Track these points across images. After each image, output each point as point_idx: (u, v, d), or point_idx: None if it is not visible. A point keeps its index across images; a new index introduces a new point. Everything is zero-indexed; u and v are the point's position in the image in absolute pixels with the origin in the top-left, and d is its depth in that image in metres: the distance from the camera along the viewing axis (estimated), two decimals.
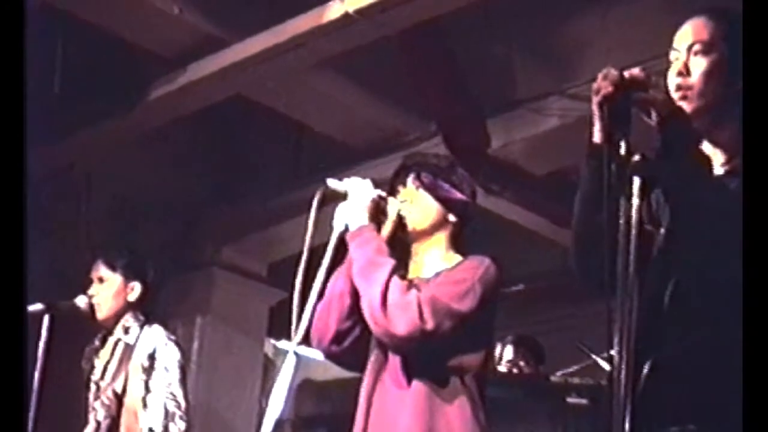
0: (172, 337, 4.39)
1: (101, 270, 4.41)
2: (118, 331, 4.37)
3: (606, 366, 4.77)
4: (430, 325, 2.77)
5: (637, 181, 2.33)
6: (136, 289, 4.42)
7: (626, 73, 2.44)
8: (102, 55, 6.31)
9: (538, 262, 8.18)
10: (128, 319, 4.39)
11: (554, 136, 6.39)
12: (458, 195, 3.11)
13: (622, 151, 2.38)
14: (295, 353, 2.78)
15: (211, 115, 6.95)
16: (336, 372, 3.51)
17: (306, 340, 2.86)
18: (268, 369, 8.50)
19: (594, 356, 4.99)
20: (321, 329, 3.02)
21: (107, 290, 4.38)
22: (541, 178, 6.86)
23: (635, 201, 2.31)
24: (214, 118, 7.26)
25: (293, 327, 2.82)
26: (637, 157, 2.36)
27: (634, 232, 2.27)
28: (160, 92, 6.33)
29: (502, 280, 2.99)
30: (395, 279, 2.85)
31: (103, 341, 4.41)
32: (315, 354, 3.12)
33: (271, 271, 7.99)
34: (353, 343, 3.03)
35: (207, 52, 6.06)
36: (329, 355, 3.09)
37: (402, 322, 2.77)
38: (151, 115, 6.52)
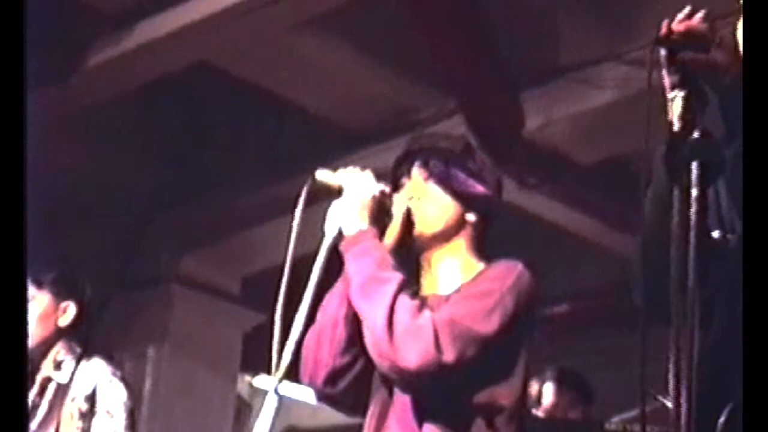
0: (118, 373, 4.38)
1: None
2: (47, 367, 4.36)
3: None
4: (449, 355, 2.77)
5: (695, 168, 2.29)
6: (69, 311, 4.40)
7: (677, 24, 2.42)
8: (27, 10, 6.33)
9: (588, 275, 8.19)
10: (60, 352, 4.37)
11: (608, 114, 6.40)
12: (478, 187, 3.10)
13: (675, 127, 2.35)
14: (277, 393, 2.79)
15: (167, 87, 6.95)
16: (328, 416, 3.52)
17: (290, 376, 2.87)
18: (242, 413, 8.52)
19: (660, 398, 4.99)
20: (312, 366, 3.02)
21: (32, 313, 4.38)
22: (590, 167, 6.87)
23: (694, 193, 2.27)
24: (171, 92, 7.26)
25: (274, 359, 2.82)
26: (696, 135, 2.34)
27: (693, 235, 2.23)
28: (101, 58, 6.34)
29: (540, 292, 2.99)
30: (403, 297, 2.85)
31: (41, 387, 4.42)
32: (303, 394, 3.13)
33: (245, 287, 8.00)
34: (353, 382, 3.03)
35: (161, 8, 6.07)
36: (323, 397, 3.09)
37: (413, 353, 2.77)
38: (90, 87, 6.54)
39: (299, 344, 2.89)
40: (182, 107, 7.64)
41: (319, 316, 2.99)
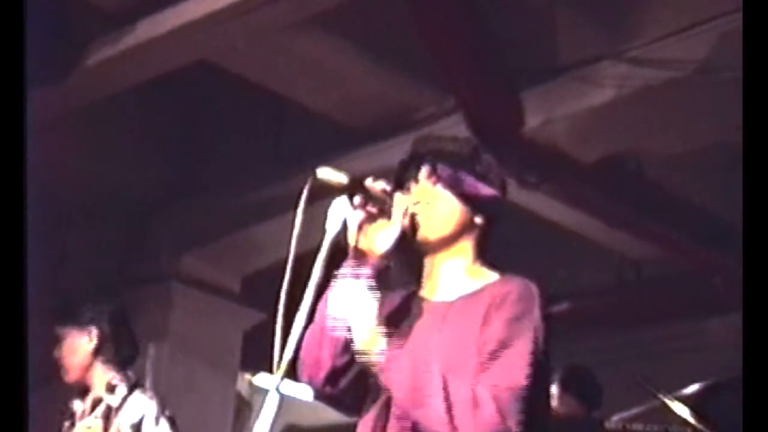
0: (167, 413, 4.61)
1: (56, 330, 4.77)
2: (99, 389, 4.69)
3: (677, 408, 4.78)
4: (511, 422, 2.80)
5: None
6: (93, 335, 4.76)
7: None
8: (27, 8, 6.32)
9: (588, 274, 8.19)
10: (115, 377, 4.69)
11: (608, 112, 6.39)
12: (486, 189, 3.10)
13: None
14: (278, 391, 2.78)
15: (167, 85, 6.95)
16: (328, 415, 3.51)
17: (291, 375, 2.87)
18: (242, 412, 8.51)
19: (661, 396, 4.99)
20: (312, 366, 3.01)
21: (68, 348, 4.74)
22: (590, 166, 6.87)
23: None
24: (171, 90, 7.26)
25: (275, 358, 2.82)
26: None
27: None
28: (101, 56, 6.34)
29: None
30: (455, 389, 2.82)
31: (92, 405, 4.70)
32: (303, 392, 3.13)
33: (245, 286, 7.99)
34: (352, 381, 3.03)
35: (161, 6, 6.07)
36: (323, 397, 3.09)
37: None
38: (90, 86, 6.54)
39: (300, 342, 2.90)
40: (183, 106, 7.64)
41: (317, 316, 2.99)
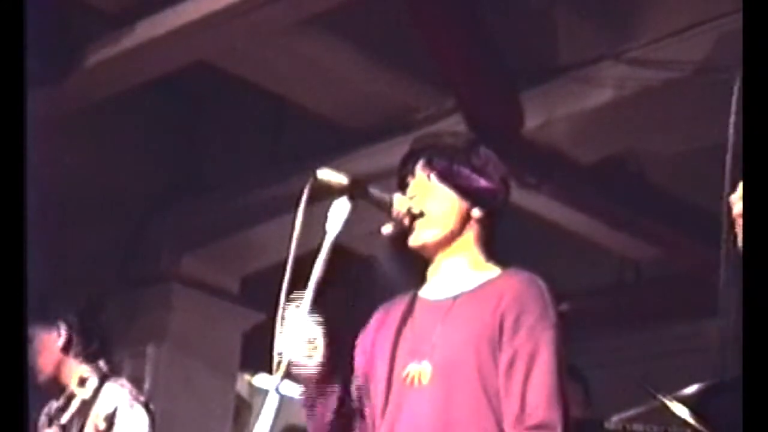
0: (141, 399, 4.54)
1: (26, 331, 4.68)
2: (72, 384, 4.62)
3: (677, 409, 4.78)
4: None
5: None
6: (61, 331, 4.68)
7: None
8: (27, 8, 6.32)
9: (588, 275, 8.18)
10: (86, 370, 4.61)
11: (607, 113, 6.39)
12: (482, 182, 3.08)
13: None
14: (278, 392, 2.79)
15: (166, 86, 6.95)
16: None
17: (291, 375, 2.87)
18: (242, 413, 8.51)
19: (660, 396, 4.99)
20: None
21: (37, 347, 4.64)
22: (590, 166, 6.87)
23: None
24: (170, 90, 7.26)
25: (275, 359, 2.82)
26: None
27: None
28: (101, 56, 6.34)
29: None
30: None
31: (66, 400, 4.66)
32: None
33: (245, 286, 8.00)
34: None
35: (161, 6, 6.08)
36: None
37: None
38: (90, 86, 6.54)
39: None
40: (182, 106, 7.64)
41: (313, 419, 3.04)
